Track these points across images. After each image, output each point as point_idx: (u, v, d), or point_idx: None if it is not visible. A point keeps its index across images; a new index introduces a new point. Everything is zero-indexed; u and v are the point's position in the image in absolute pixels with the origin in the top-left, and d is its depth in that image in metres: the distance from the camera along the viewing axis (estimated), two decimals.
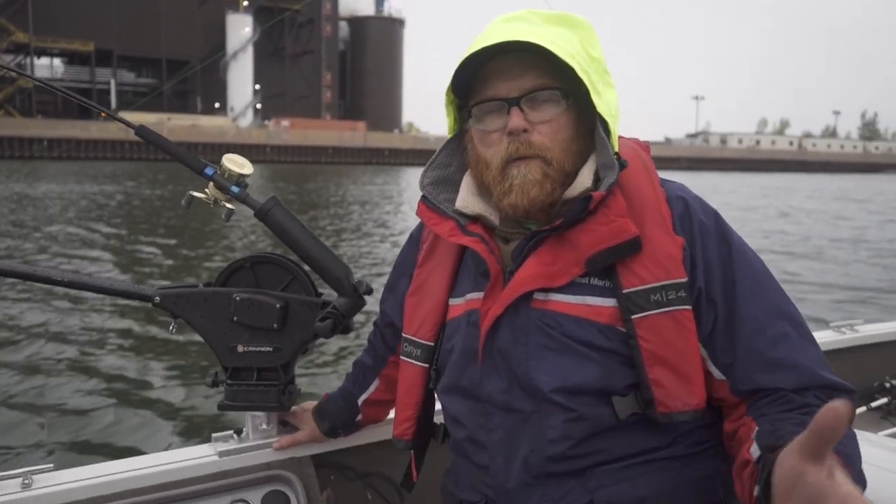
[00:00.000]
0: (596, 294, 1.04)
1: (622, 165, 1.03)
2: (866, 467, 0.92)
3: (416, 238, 1.33)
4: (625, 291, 1.02)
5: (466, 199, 1.14)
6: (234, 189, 1.41)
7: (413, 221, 1.47)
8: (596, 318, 1.03)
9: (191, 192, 1.41)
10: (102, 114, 1.47)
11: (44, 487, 1.31)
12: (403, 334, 1.24)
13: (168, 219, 15.86)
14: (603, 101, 1.04)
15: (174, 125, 55.81)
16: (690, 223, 1.06)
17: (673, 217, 1.06)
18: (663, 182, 1.11)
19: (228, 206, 1.42)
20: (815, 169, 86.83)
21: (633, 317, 1.01)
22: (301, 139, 65.33)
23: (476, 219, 1.14)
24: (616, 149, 1.05)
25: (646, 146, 1.16)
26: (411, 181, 36.93)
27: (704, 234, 1.06)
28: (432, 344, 1.19)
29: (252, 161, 1.45)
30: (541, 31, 1.03)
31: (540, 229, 1.06)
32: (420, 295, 1.22)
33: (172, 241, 12.32)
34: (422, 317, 1.20)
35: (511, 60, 1.06)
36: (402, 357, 1.25)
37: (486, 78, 1.08)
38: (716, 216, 1.09)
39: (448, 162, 1.21)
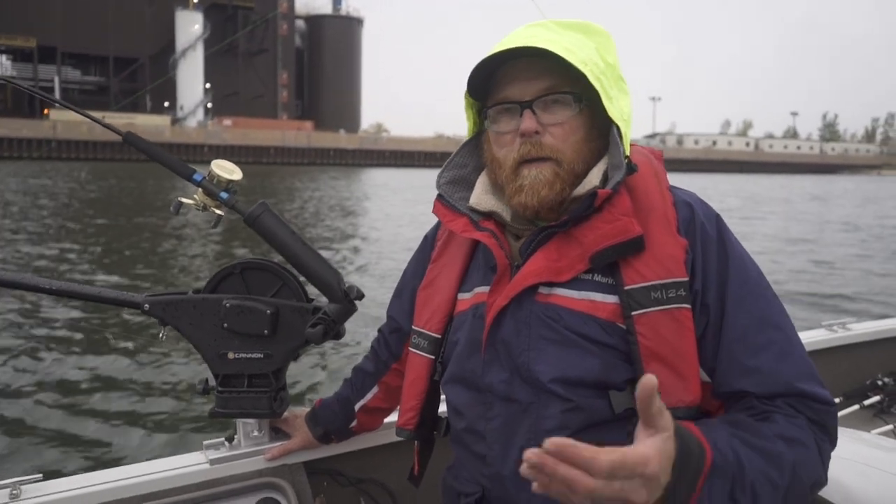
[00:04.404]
0: (599, 290, 1.07)
1: (632, 170, 1.07)
2: (858, 466, 0.94)
3: (430, 238, 1.36)
4: (626, 288, 1.04)
5: (479, 196, 1.18)
6: (223, 195, 1.40)
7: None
8: (597, 314, 1.06)
9: (179, 198, 1.39)
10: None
11: (32, 498, 1.28)
12: (413, 326, 1.27)
13: (152, 223, 15.38)
14: (615, 107, 1.07)
15: (109, 123, 53.43)
16: (694, 228, 1.09)
17: (678, 220, 1.09)
18: (672, 188, 1.14)
19: (217, 211, 1.41)
20: (771, 170, 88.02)
21: (634, 313, 1.04)
22: (241, 139, 63.38)
23: (489, 216, 1.17)
24: (628, 152, 1.08)
25: (659, 154, 1.19)
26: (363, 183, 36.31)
27: (706, 239, 1.08)
28: (439, 336, 1.22)
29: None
30: (557, 37, 1.06)
31: (547, 225, 1.10)
32: (431, 289, 1.25)
33: (160, 247, 11.93)
34: (431, 309, 1.23)
35: (525, 64, 1.09)
36: (410, 349, 1.28)
37: (502, 81, 1.11)
38: (717, 220, 1.11)
39: (465, 163, 1.24)
